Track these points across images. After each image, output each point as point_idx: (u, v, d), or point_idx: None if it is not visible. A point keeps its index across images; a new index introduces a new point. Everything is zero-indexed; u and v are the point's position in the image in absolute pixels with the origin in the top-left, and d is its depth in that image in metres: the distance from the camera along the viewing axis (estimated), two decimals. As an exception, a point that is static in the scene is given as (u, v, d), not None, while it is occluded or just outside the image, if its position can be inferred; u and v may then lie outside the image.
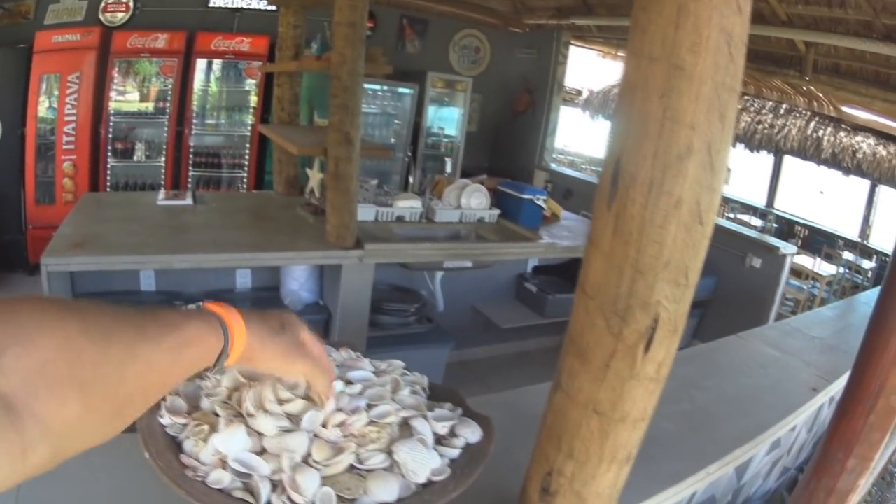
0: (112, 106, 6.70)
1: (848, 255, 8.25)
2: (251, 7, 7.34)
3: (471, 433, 1.28)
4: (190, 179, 7.16)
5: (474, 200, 4.77)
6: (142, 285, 4.14)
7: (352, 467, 1.13)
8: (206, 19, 7.24)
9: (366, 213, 4.41)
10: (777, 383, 2.52)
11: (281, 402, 1.17)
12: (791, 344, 2.95)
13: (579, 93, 10.04)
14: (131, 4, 6.93)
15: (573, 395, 1.20)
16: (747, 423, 2.17)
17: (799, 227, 9.23)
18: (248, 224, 4.41)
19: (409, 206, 4.56)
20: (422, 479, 1.14)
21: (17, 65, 6.28)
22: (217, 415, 1.16)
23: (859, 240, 8.73)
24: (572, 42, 9.06)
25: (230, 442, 1.09)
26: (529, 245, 4.56)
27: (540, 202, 4.79)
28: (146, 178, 6.96)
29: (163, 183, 6.97)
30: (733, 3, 0.97)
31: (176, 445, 1.12)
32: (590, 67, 9.91)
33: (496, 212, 4.84)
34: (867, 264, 8.14)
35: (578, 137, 10.97)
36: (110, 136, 6.74)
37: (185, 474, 1.06)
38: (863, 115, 7.95)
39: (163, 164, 7.01)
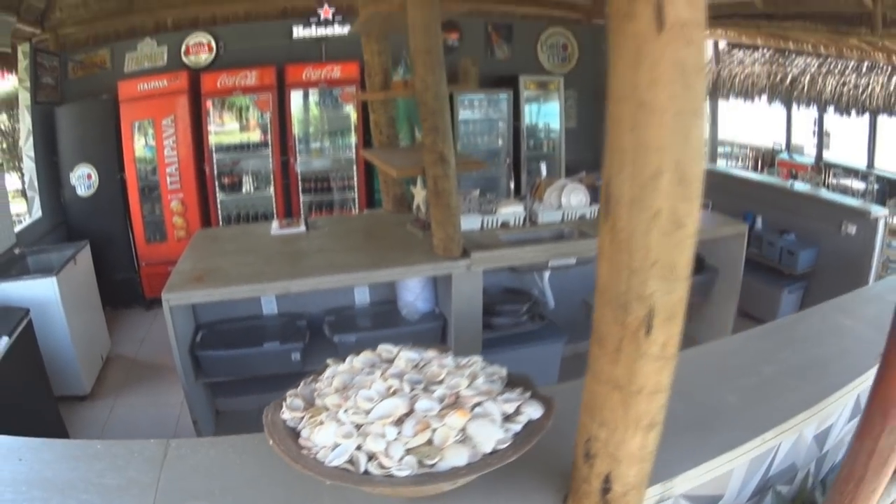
0: (213, 143, 7.21)
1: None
2: (335, 34, 7.69)
3: (533, 411, 1.69)
4: (301, 205, 7.61)
5: (574, 199, 5.02)
6: (263, 310, 4.56)
7: (431, 441, 1.55)
8: (291, 51, 7.70)
9: (471, 222, 4.70)
10: (845, 352, 2.64)
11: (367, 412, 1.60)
12: (866, 311, 3.06)
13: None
14: (214, 45, 7.50)
15: (597, 374, 1.55)
16: (810, 391, 2.34)
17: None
18: (360, 244, 4.78)
19: (511, 211, 4.82)
20: (488, 449, 1.55)
21: (103, 114, 6.87)
22: (327, 408, 1.64)
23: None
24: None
25: (327, 433, 1.55)
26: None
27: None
28: (257, 208, 7.46)
29: (275, 211, 7.43)
30: (683, 38, 1.22)
31: (295, 434, 1.61)
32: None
33: (597, 207, 5.03)
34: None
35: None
36: (215, 172, 7.25)
37: (301, 453, 1.52)
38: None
39: (272, 194, 7.47)
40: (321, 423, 1.59)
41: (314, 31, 7.72)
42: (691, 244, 1.40)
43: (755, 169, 9.53)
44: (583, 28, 9.23)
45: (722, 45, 9.56)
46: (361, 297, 4.69)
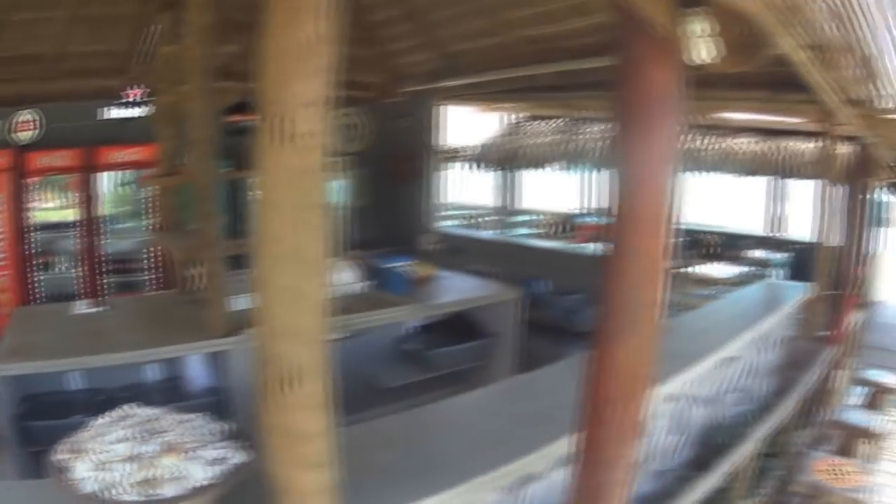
0: (32, 222, 7.50)
1: (759, 253, 8.81)
2: (141, 115, 7.95)
3: (241, 456, 2.26)
4: (105, 285, 7.87)
5: (344, 276, 5.56)
6: (71, 385, 4.78)
7: (154, 477, 2.13)
8: (103, 131, 7.92)
9: (248, 302, 5.01)
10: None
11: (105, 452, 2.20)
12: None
13: (462, 150, 10.34)
14: (38, 122, 7.67)
15: (265, 422, 1.97)
16: (535, 439, 2.65)
17: (707, 237, 9.60)
18: (149, 324, 5.15)
19: (283, 291, 5.19)
20: (196, 485, 2.12)
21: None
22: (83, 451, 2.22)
23: (769, 235, 9.07)
24: (447, 103, 9.50)
25: (83, 469, 2.13)
26: (393, 310, 5.35)
27: (404, 268, 5.47)
28: (68, 287, 7.69)
29: (82, 291, 7.66)
30: (298, 147, 1.55)
31: (64, 470, 2.15)
32: (469, 124, 10.28)
33: (367, 283, 5.58)
34: (778, 257, 8.59)
35: (471, 191, 11.48)
36: (35, 250, 7.53)
37: (63, 483, 2.11)
38: (738, 117, 8.49)
39: (80, 274, 7.76)
40: (77, 461, 2.14)
41: (123, 112, 7.97)
42: (317, 313, 1.75)
43: (557, 234, 9.97)
44: (374, 107, 9.58)
45: (518, 116, 10.14)
46: (153, 373, 5.00)
